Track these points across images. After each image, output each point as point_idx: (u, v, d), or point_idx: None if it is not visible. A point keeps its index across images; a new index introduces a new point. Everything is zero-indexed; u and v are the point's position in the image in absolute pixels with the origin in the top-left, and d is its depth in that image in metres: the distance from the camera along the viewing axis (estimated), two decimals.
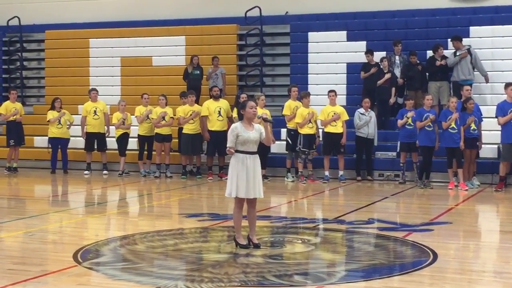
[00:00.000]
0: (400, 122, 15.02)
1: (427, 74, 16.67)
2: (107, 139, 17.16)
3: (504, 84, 14.51)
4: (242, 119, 8.25)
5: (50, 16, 21.46)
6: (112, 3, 21.35)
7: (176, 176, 16.37)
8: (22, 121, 17.76)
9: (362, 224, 10.08)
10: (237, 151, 8.14)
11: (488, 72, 16.59)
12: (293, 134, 15.56)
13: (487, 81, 16.48)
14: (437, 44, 16.63)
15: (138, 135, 16.77)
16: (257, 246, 8.18)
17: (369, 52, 17.19)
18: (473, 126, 14.29)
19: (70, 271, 7.22)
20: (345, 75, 18.19)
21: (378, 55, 17.09)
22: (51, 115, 17.16)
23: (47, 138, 17.45)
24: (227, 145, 8.19)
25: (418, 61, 16.75)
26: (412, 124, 14.76)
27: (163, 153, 16.55)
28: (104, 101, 17.53)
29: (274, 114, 16.26)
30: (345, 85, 18.03)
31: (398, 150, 15.37)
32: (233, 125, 8.26)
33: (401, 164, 15.23)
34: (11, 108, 17.57)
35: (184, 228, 9.78)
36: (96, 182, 15.93)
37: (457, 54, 16.23)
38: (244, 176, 8.07)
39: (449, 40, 16.96)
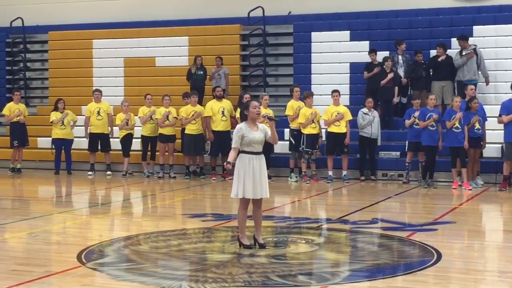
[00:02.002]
0: (407, 122, 15.00)
1: (430, 73, 16.65)
2: (110, 139, 17.17)
3: (508, 83, 14.53)
4: (245, 120, 8.23)
5: (53, 17, 21.48)
6: (115, 4, 21.36)
7: (180, 176, 16.38)
8: (26, 122, 17.77)
9: (365, 224, 10.07)
10: (242, 151, 8.13)
11: (491, 72, 16.59)
12: (296, 134, 15.56)
13: (487, 83, 16.46)
14: (440, 43, 16.59)
15: (142, 135, 16.78)
16: (262, 246, 8.16)
17: (373, 51, 17.17)
18: (477, 125, 14.26)
19: (74, 271, 7.23)
20: (349, 75, 18.17)
21: (381, 55, 17.07)
22: (54, 116, 17.18)
23: (50, 139, 17.46)
24: (232, 146, 8.17)
25: (423, 61, 16.74)
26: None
27: (166, 153, 16.55)
28: (107, 102, 17.55)
29: (278, 114, 16.22)
30: (348, 85, 18.01)
31: (406, 150, 15.32)
32: (238, 126, 8.24)
33: (407, 164, 15.21)
34: (14, 109, 17.59)
35: (188, 229, 9.78)
36: (100, 183, 15.94)
37: (463, 53, 16.20)
38: (250, 176, 8.05)
39: (452, 39, 16.96)
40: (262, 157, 8.26)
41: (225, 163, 8.19)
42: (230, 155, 8.16)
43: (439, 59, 16.28)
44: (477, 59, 16.23)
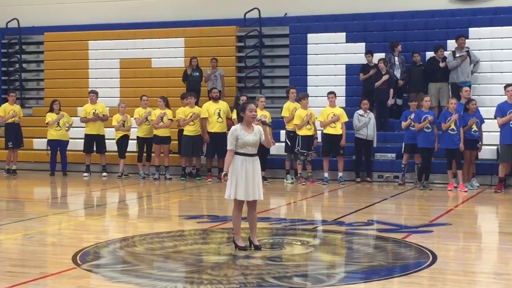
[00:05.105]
0: (404, 124, 14.99)
1: (427, 75, 16.67)
2: (106, 141, 17.15)
3: (503, 85, 14.53)
4: (241, 121, 8.24)
5: (49, 18, 21.46)
6: (111, 5, 21.35)
7: (175, 178, 16.36)
8: (21, 123, 17.75)
9: (361, 226, 10.07)
10: (236, 153, 8.14)
11: (487, 73, 16.68)
12: (292, 135, 15.56)
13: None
14: (438, 45, 16.64)
15: (137, 137, 16.77)
16: (258, 248, 8.16)
17: (369, 53, 17.19)
18: (474, 127, 14.28)
19: (69, 273, 7.21)
20: (344, 76, 18.19)
21: (377, 57, 17.09)
22: (50, 117, 17.16)
23: (46, 140, 17.44)
24: (227, 148, 8.18)
25: (421, 62, 16.76)
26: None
27: (162, 155, 16.54)
28: (103, 103, 17.53)
29: (274, 115, 16.27)
30: (344, 87, 18.02)
31: (403, 151, 15.31)
32: (232, 128, 8.25)
33: (403, 165, 15.21)
34: (9, 110, 17.57)
35: (184, 230, 9.77)
36: (95, 184, 15.92)
37: (456, 55, 16.26)
38: (243, 178, 8.06)
39: (448, 41, 17.00)
40: (256, 159, 8.24)
41: (222, 175, 8.21)
42: (226, 160, 8.16)
43: (441, 65, 16.29)
44: (470, 61, 16.32)
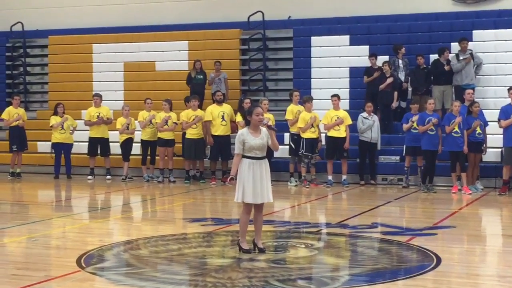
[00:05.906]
0: (405, 126, 14.99)
1: (431, 77, 16.66)
2: (110, 144, 17.17)
3: (507, 87, 14.53)
4: (249, 125, 8.26)
5: (53, 22, 21.52)
6: (115, 8, 21.38)
7: (179, 181, 16.37)
8: (25, 126, 17.77)
9: (365, 229, 10.07)
10: (244, 156, 8.16)
11: (491, 76, 16.66)
12: (296, 138, 15.56)
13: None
14: (443, 47, 16.62)
15: (141, 140, 16.79)
16: (262, 251, 8.16)
17: (373, 55, 17.19)
18: (478, 130, 14.26)
19: (73, 276, 7.23)
20: (348, 79, 18.19)
21: (381, 59, 17.07)
22: (54, 120, 17.19)
23: (50, 143, 17.47)
24: (235, 152, 8.22)
25: (425, 65, 16.75)
26: (417, 128, 14.71)
27: (166, 158, 16.56)
28: (107, 106, 17.56)
29: (277, 118, 16.26)
30: (348, 90, 18.02)
31: (404, 154, 15.31)
32: (239, 132, 8.28)
33: (406, 168, 15.20)
34: (13, 113, 17.60)
35: (188, 233, 9.78)
36: (100, 187, 15.94)
37: (460, 58, 16.25)
38: (250, 181, 8.08)
39: (452, 44, 16.98)
40: (264, 162, 8.28)
41: (228, 179, 8.25)
42: (234, 164, 8.20)
43: (446, 68, 16.28)
44: (473, 64, 16.32)
